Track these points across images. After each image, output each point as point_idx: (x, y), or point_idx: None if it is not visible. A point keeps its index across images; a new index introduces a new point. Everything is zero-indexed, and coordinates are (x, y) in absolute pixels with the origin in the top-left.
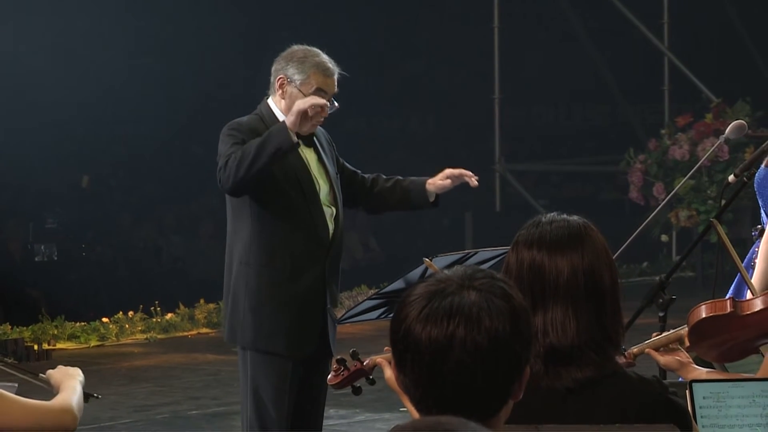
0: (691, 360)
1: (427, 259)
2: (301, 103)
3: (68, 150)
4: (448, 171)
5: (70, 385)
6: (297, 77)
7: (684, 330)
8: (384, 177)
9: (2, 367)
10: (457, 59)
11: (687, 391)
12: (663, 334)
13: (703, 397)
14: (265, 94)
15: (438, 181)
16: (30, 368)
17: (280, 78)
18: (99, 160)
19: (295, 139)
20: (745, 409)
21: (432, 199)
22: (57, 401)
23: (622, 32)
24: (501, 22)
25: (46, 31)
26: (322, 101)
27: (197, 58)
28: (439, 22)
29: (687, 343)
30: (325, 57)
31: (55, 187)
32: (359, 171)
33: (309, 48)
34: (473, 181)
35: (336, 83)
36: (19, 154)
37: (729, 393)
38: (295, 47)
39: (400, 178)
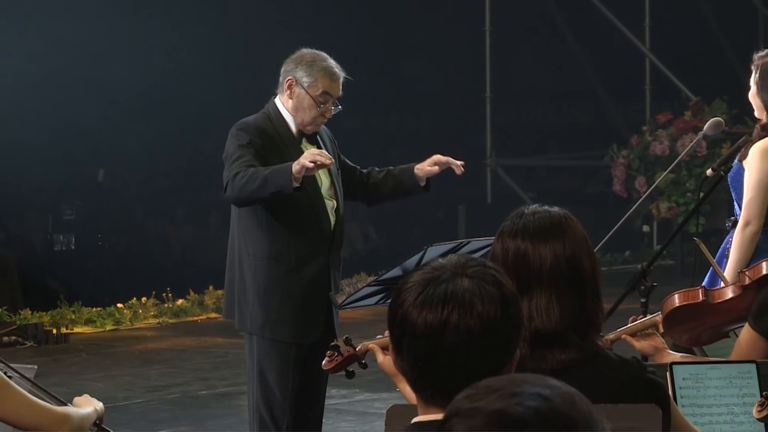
0: (666, 345)
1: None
2: (309, 158)
3: (85, 146)
4: (436, 157)
5: (83, 404)
6: (305, 79)
7: (658, 316)
8: (377, 169)
9: (42, 394)
10: (451, 60)
11: (667, 373)
12: (638, 320)
13: (683, 378)
14: (273, 94)
15: (426, 167)
16: (48, 351)
17: (288, 79)
18: (114, 155)
19: (296, 185)
20: (722, 389)
21: (423, 183)
22: (62, 408)
23: (606, 34)
24: (492, 25)
25: (63, 30)
26: (328, 162)
27: (206, 59)
28: (434, 24)
29: (662, 329)
30: (332, 62)
31: (72, 180)
32: (358, 167)
33: (317, 52)
34: (459, 168)
35: (341, 87)
36: (39, 150)
37: (707, 374)
38: (305, 50)
39: (390, 168)
